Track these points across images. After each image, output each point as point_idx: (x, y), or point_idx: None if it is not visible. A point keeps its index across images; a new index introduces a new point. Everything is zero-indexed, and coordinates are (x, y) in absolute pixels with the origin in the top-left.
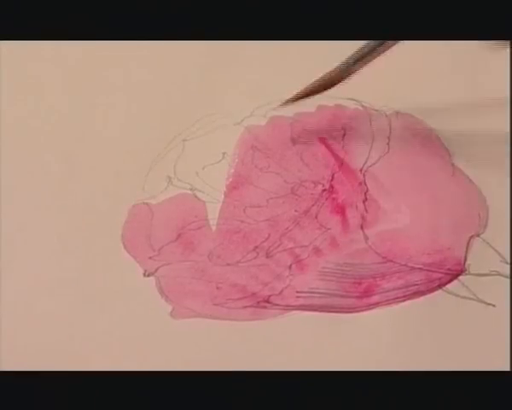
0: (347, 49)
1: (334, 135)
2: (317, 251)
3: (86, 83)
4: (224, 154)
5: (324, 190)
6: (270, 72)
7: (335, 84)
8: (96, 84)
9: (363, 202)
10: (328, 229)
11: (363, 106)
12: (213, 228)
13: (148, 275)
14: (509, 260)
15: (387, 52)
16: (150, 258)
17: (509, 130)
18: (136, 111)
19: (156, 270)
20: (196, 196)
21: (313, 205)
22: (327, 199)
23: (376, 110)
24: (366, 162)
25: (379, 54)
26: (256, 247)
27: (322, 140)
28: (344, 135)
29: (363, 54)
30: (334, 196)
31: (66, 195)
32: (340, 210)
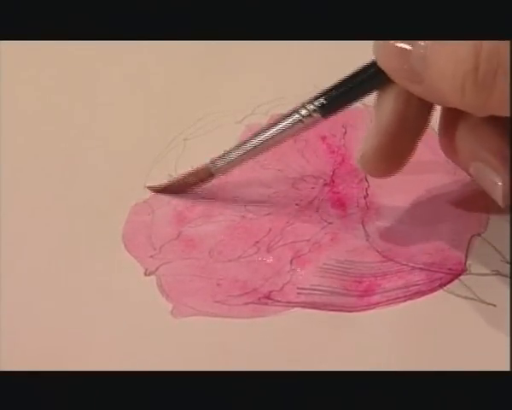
0: (347, 49)
1: (335, 133)
2: (319, 246)
3: (86, 83)
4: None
5: (326, 184)
6: (270, 70)
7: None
8: (96, 83)
9: (364, 197)
10: (330, 223)
11: (364, 104)
12: (214, 225)
13: (149, 274)
14: (509, 260)
15: None
16: (151, 257)
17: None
18: (136, 110)
19: (157, 269)
20: (197, 194)
21: (314, 198)
22: (328, 193)
23: None
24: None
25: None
26: (257, 242)
27: (323, 138)
28: (345, 133)
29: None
30: (335, 189)
31: (66, 194)
32: (341, 204)
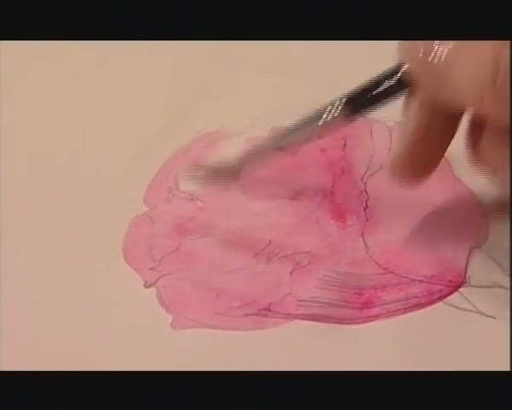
0: (347, 50)
1: (334, 145)
2: (318, 258)
3: (86, 87)
4: None
5: (325, 197)
6: (270, 82)
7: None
8: (94, 94)
9: (364, 209)
10: (329, 235)
11: (363, 117)
12: (214, 238)
13: (149, 286)
14: (509, 271)
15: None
16: (151, 269)
17: None
18: (138, 122)
19: (156, 281)
20: (197, 206)
21: (314, 210)
22: (328, 204)
23: (377, 121)
24: (367, 172)
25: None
26: (257, 254)
27: (323, 150)
28: (344, 145)
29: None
30: (334, 201)
31: (66, 205)
32: (341, 216)
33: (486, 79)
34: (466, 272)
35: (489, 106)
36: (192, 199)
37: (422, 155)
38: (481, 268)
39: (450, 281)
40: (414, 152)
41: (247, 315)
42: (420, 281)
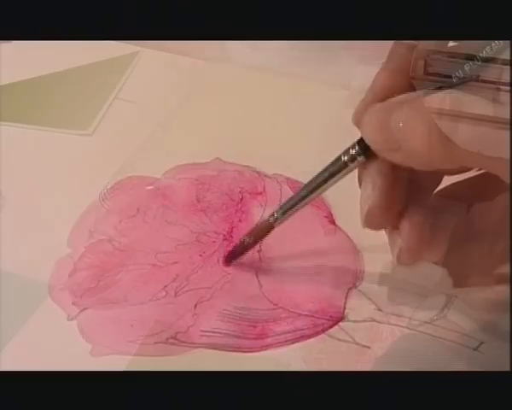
0: None
1: (233, 197)
2: (219, 293)
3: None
4: (138, 210)
5: (225, 239)
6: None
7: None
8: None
9: (258, 252)
10: (229, 273)
11: (257, 172)
12: (129, 273)
13: (71, 319)
14: (382, 308)
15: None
16: (73, 303)
17: None
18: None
19: (78, 314)
20: (114, 247)
21: (215, 251)
22: (227, 246)
23: (269, 177)
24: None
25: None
26: (165, 286)
27: (223, 202)
28: (241, 198)
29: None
30: (233, 244)
31: None
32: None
33: (433, 124)
34: (344, 309)
35: (437, 150)
36: (110, 241)
37: (390, 210)
38: (357, 305)
39: (331, 316)
40: (381, 208)
41: (156, 343)
42: (305, 315)
